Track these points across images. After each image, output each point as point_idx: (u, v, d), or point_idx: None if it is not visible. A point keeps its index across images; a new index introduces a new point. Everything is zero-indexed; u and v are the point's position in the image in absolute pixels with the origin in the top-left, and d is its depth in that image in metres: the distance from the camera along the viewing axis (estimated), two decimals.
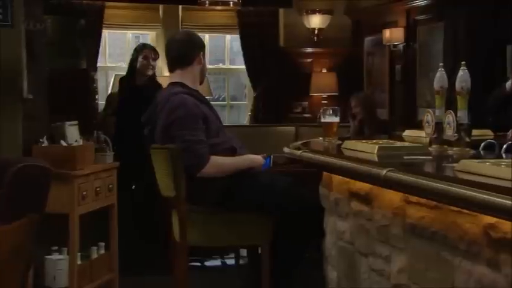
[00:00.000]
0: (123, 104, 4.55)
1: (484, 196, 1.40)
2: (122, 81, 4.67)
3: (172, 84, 2.98)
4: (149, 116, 2.96)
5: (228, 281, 4.01)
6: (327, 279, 2.70)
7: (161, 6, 6.89)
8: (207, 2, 5.50)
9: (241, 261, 4.28)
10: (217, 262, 4.51)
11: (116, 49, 7.27)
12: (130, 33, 7.20)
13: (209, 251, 4.34)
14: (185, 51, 2.99)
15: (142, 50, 4.49)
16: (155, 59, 4.51)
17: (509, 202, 1.34)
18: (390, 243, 2.11)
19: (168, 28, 6.83)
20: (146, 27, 7.04)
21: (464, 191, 1.48)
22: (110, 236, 3.71)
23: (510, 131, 3.04)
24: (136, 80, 4.47)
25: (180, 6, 6.87)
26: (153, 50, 4.56)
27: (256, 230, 2.89)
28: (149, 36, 7.08)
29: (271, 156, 3.05)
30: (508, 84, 3.87)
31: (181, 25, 6.92)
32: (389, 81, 6.50)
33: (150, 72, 4.47)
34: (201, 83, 3.09)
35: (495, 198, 1.37)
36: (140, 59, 4.44)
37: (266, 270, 2.87)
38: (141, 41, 6.76)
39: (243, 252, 4.21)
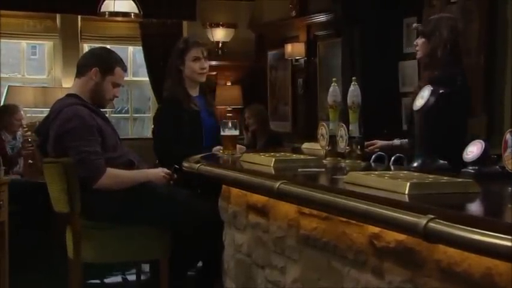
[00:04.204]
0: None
1: (366, 207, 1.46)
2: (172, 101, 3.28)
3: (67, 95, 2.92)
4: (41, 127, 2.86)
5: None
6: None
7: (58, 16, 6.67)
8: (107, 12, 5.37)
9: (142, 277, 4.19)
10: (117, 278, 4.38)
11: (9, 59, 6.94)
12: (24, 43, 6.91)
13: (109, 267, 4.20)
14: (82, 61, 2.97)
15: (189, 48, 3.26)
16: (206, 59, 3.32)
17: (390, 212, 1.41)
18: (286, 254, 2.14)
19: (66, 38, 6.62)
20: (42, 37, 6.78)
21: (349, 202, 1.53)
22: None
23: (396, 140, 3.13)
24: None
25: (79, 16, 6.69)
26: (202, 45, 3.38)
27: (154, 243, 2.85)
28: (46, 46, 6.83)
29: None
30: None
31: (81, 35, 6.73)
32: (292, 95, 6.65)
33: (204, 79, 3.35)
34: (101, 106, 2.92)
35: (376, 209, 1.43)
36: (188, 62, 3.25)
37: (165, 284, 2.84)
38: (37, 51, 6.50)
39: (145, 267, 4.13)
